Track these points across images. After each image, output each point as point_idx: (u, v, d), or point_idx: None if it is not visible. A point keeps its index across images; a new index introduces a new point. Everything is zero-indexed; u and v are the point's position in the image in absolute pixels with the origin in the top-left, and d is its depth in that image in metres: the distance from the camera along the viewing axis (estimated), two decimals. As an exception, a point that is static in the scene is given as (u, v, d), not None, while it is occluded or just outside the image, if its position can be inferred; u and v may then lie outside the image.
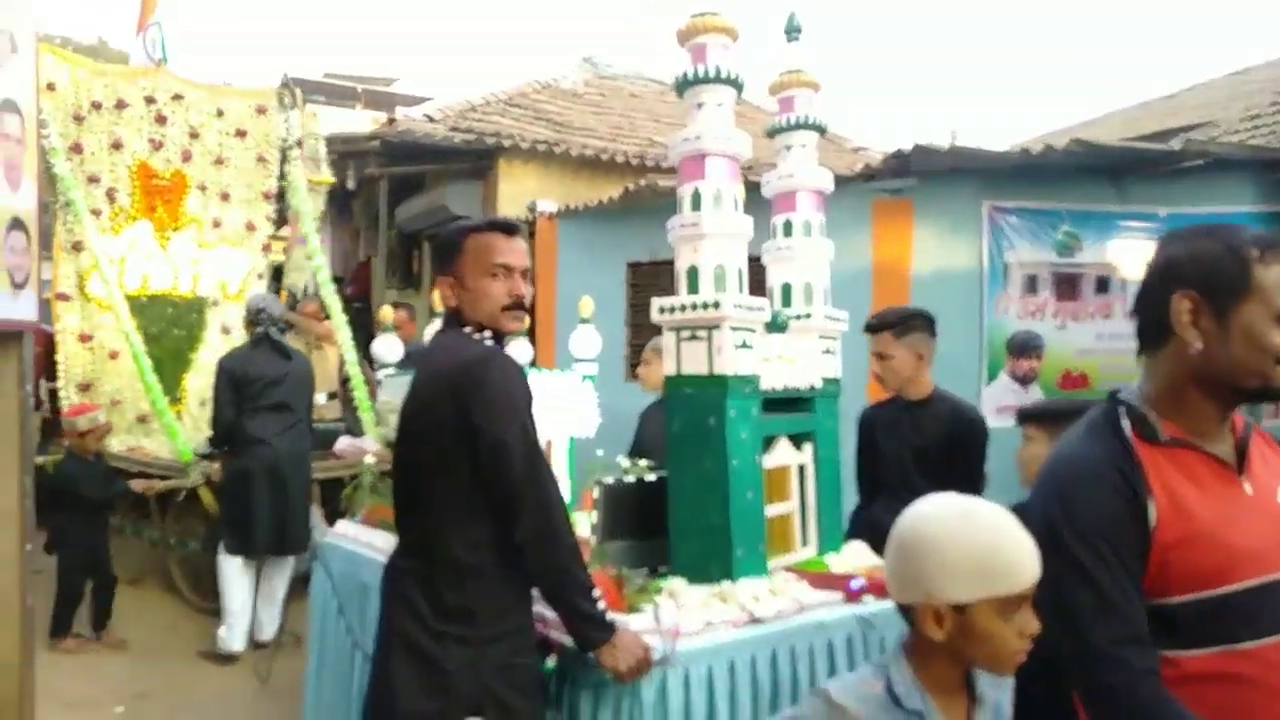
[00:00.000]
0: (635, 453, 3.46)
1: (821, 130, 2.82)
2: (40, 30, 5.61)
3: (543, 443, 3.41)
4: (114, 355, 5.83)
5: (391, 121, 8.13)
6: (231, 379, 4.52)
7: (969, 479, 2.99)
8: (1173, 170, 5.48)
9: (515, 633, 1.98)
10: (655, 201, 6.17)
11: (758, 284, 2.90)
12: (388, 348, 3.38)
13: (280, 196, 6.60)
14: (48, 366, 6.11)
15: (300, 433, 4.69)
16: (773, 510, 2.57)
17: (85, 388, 5.74)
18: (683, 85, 2.43)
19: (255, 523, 4.44)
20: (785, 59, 2.82)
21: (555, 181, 8.09)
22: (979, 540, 1.30)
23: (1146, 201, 5.62)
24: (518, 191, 7.99)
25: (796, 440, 2.70)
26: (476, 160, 8.07)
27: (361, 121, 10.93)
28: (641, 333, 6.05)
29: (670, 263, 2.51)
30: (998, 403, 5.51)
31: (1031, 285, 5.64)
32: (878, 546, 2.86)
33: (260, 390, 4.49)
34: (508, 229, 2.08)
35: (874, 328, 3.11)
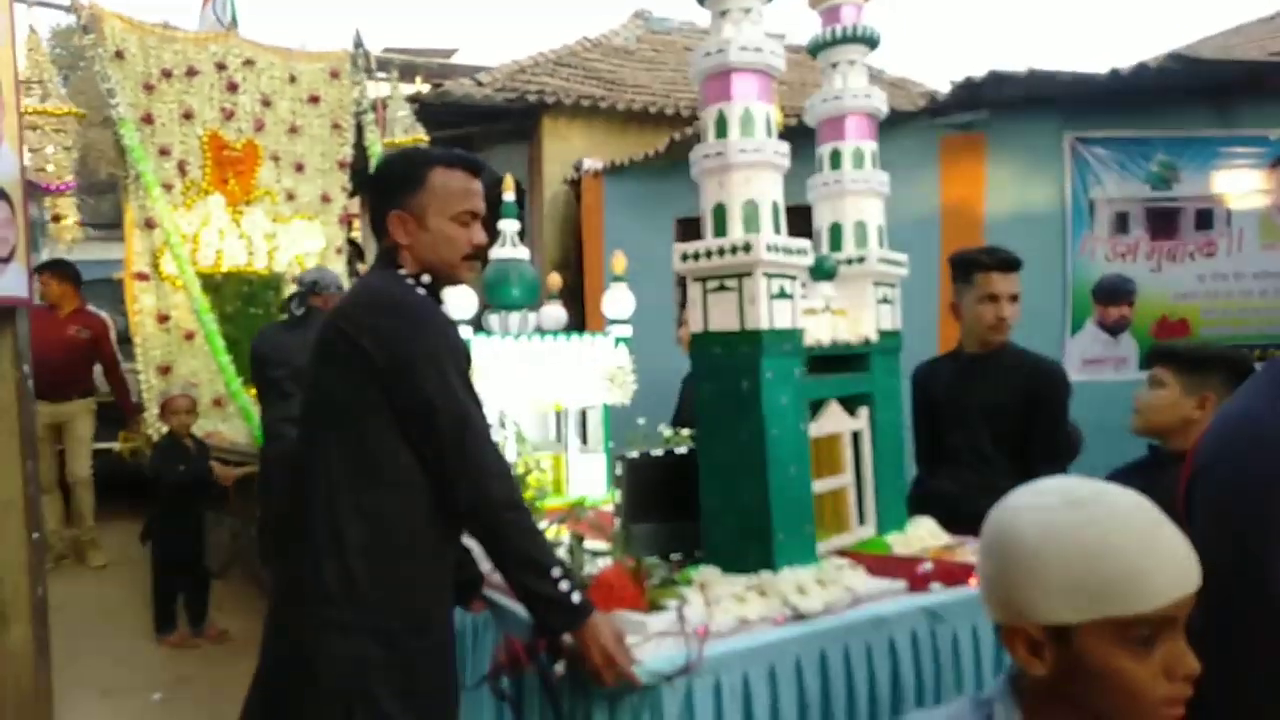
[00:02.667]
0: (678, 422, 3.15)
1: (874, 43, 2.42)
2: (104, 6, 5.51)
3: (574, 410, 3.25)
4: (189, 336, 5.68)
5: (437, 87, 7.87)
6: (256, 361, 4.15)
7: (1049, 443, 2.61)
8: (1285, 87, 4.85)
9: (416, 629, 1.71)
10: (704, 152, 5.77)
11: (806, 232, 2.56)
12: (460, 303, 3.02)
13: (356, 166, 6.37)
14: (124, 349, 5.98)
15: None
16: (822, 485, 2.23)
17: (165, 370, 5.61)
18: (702, -10, 2.07)
19: (267, 526, 4.05)
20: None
21: (602, 139, 7.73)
22: (1087, 537, 0.94)
23: (1254, 124, 5.00)
24: (563, 150, 7.66)
25: (850, 404, 2.35)
26: (521, 121, 7.76)
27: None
28: (694, 292, 5.65)
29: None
30: (1085, 354, 5.03)
31: (1121, 224, 5.10)
32: (944, 522, 2.51)
33: (280, 375, 4.03)
34: (475, 168, 1.83)
35: (1014, 263, 2.66)
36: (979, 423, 2.67)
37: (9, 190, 2.69)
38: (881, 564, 2.16)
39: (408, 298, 1.74)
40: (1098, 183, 5.11)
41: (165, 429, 4.66)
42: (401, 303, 1.72)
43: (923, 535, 2.39)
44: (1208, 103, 4.99)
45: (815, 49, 2.43)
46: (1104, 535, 0.93)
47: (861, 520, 2.37)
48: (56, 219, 5.05)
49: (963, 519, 2.61)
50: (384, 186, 1.82)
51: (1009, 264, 2.63)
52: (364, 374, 1.66)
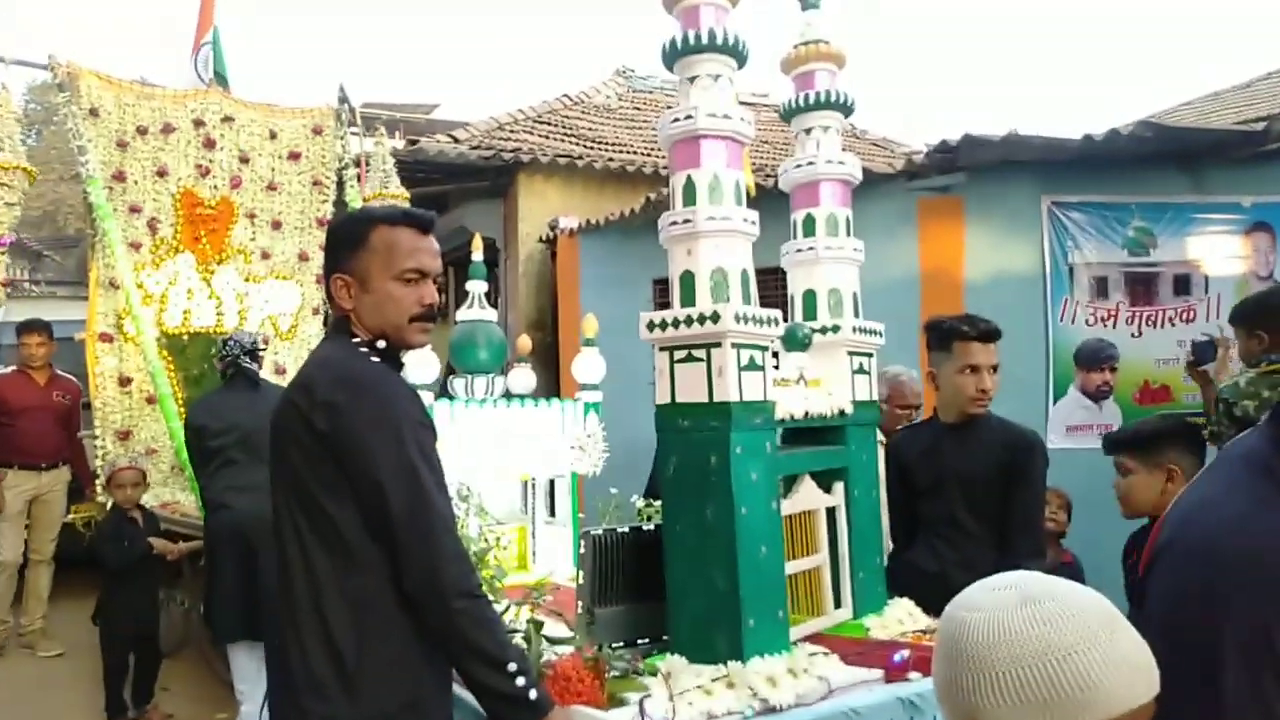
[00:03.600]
0: (651, 492, 3.04)
1: (847, 109, 2.38)
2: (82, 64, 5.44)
3: (542, 480, 3.13)
4: (151, 400, 5.40)
5: (413, 143, 7.86)
6: (192, 433, 3.88)
7: (1026, 516, 2.51)
8: (1256, 154, 4.89)
9: (414, 709, 1.60)
10: (682, 212, 5.75)
11: (782, 293, 2.49)
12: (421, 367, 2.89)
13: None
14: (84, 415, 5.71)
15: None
16: (796, 566, 2.13)
17: (124, 436, 5.34)
18: (671, 55, 2.02)
19: (216, 603, 3.74)
20: (802, 30, 2.40)
21: (579, 197, 7.72)
22: (1041, 639, 0.86)
23: (1228, 191, 5.03)
24: (540, 208, 7.63)
25: (824, 479, 2.26)
26: (497, 178, 7.75)
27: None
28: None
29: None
30: (1068, 421, 4.96)
31: (1101, 288, 5.08)
32: (921, 600, 2.40)
33: (223, 443, 3.78)
34: (424, 224, 1.73)
35: (994, 334, 2.58)
36: (955, 494, 2.57)
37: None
38: (857, 651, 2.05)
39: (359, 369, 1.65)
40: (1076, 247, 5.10)
41: (110, 502, 4.38)
42: (353, 375, 1.63)
43: (901, 618, 2.29)
44: (1181, 169, 5.02)
45: (789, 114, 2.39)
46: (1058, 637, 0.86)
47: (837, 603, 2.26)
48: None
49: (942, 598, 2.51)
50: (329, 249, 1.74)
51: (989, 334, 2.57)
52: (321, 454, 1.57)
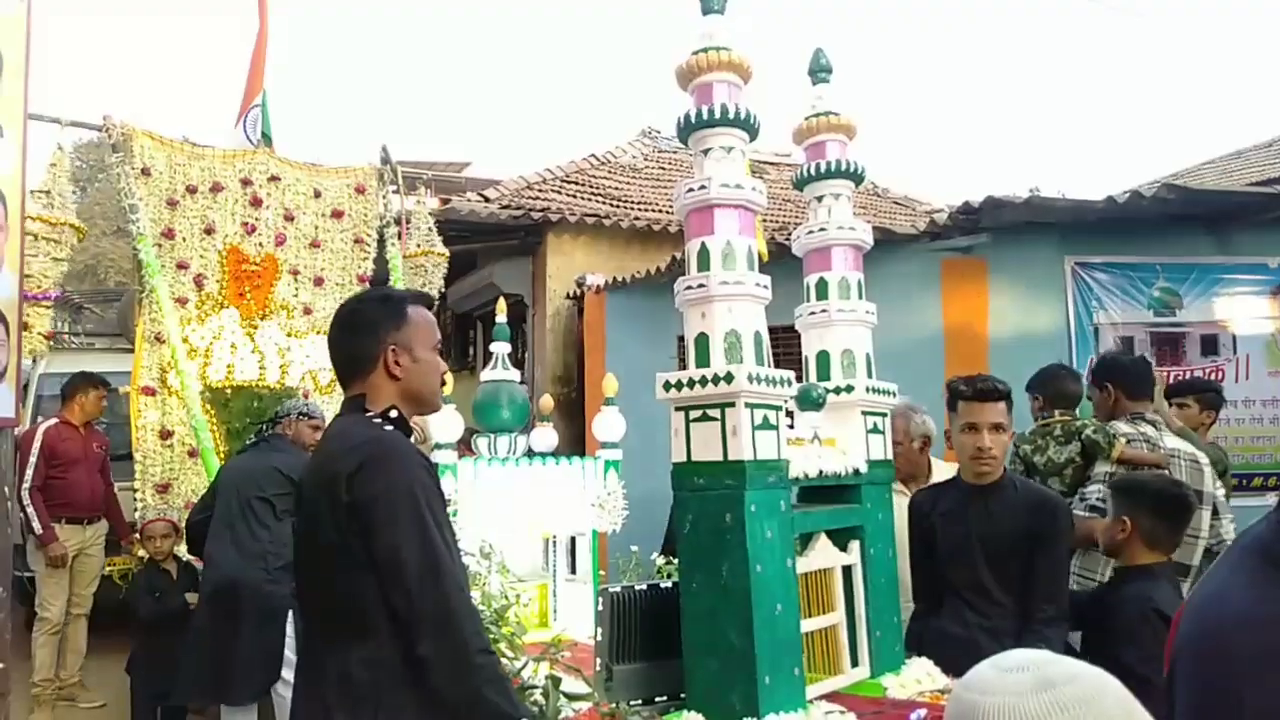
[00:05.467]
0: (667, 548, 3.06)
1: (857, 178, 2.45)
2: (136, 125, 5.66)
3: (563, 537, 3.17)
4: (192, 453, 5.46)
5: (445, 203, 8.08)
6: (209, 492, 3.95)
7: (1051, 582, 2.50)
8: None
9: None
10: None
11: (798, 352, 2.54)
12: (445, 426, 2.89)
13: (375, 280, 6.41)
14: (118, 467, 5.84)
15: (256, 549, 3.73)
16: (812, 624, 2.14)
17: (164, 489, 5.35)
18: (686, 130, 2.12)
19: (185, 664, 3.72)
20: (813, 102, 2.49)
21: (605, 255, 7.87)
22: None
23: (1253, 252, 5.04)
24: (567, 265, 7.79)
25: (840, 537, 2.28)
26: (526, 236, 7.92)
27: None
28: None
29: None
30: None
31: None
32: (943, 663, 2.39)
33: (224, 502, 3.81)
34: (432, 304, 1.98)
35: (992, 394, 2.58)
36: (979, 558, 2.56)
37: (5, 311, 2.71)
38: (874, 710, 2.05)
39: (377, 438, 1.73)
40: (1100, 307, 5.11)
41: (143, 555, 4.46)
42: (372, 445, 1.71)
43: (919, 677, 2.28)
44: (1205, 229, 5.04)
45: (801, 183, 2.47)
46: None
47: (854, 661, 2.27)
48: (26, 327, 5.01)
49: (964, 661, 2.49)
50: (364, 325, 1.84)
51: (986, 393, 2.57)
52: (347, 524, 1.64)
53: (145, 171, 5.64)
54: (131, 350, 5.92)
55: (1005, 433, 2.59)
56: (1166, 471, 2.98)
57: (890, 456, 2.48)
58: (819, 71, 2.50)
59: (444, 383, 1.93)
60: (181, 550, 4.62)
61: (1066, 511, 2.62)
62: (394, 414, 1.79)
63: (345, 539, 1.64)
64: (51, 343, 5.54)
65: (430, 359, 1.85)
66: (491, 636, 2.25)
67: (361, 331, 1.84)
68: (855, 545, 2.31)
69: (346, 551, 1.64)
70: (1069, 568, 2.64)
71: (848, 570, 2.29)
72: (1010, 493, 2.58)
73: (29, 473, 5.22)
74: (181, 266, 5.75)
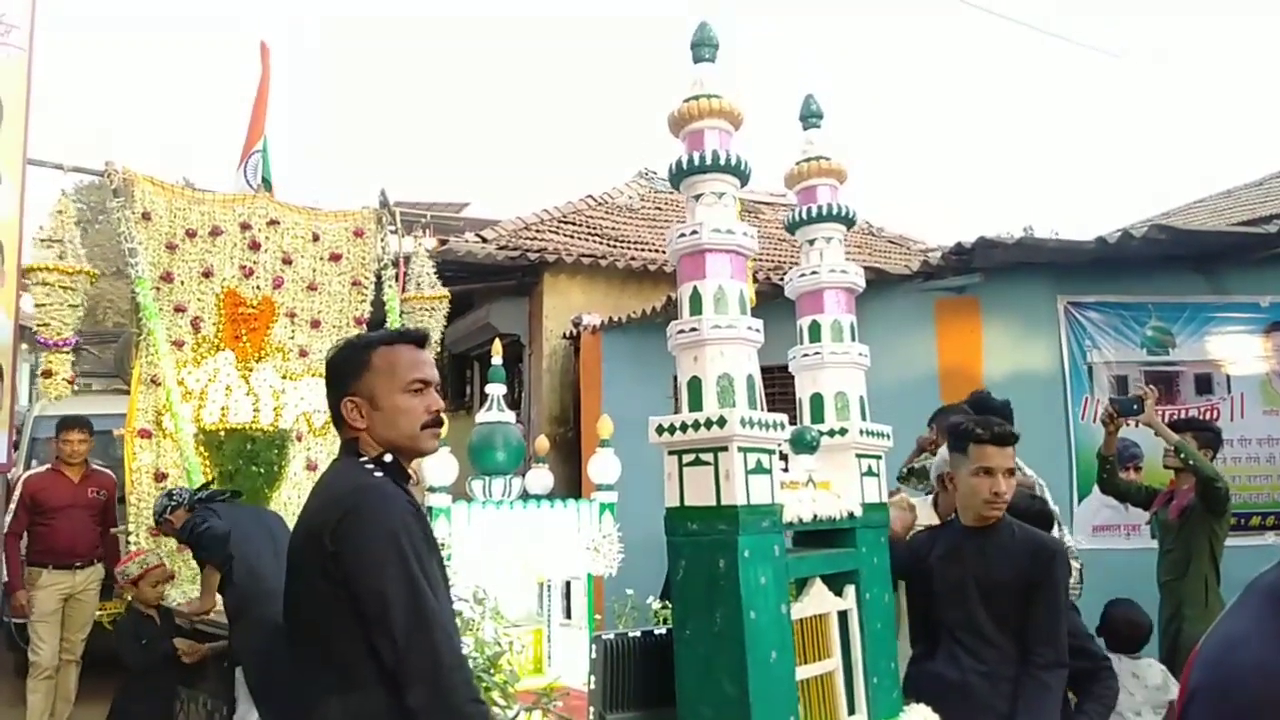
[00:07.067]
0: (667, 594, 3.04)
1: (848, 222, 2.47)
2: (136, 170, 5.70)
3: (558, 581, 3.14)
4: None
5: (444, 244, 8.13)
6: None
7: (1048, 625, 2.48)
8: (1271, 256, 4.94)
9: None
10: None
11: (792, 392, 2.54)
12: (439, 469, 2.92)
13: (373, 322, 6.43)
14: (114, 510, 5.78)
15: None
16: (807, 672, 2.11)
17: (157, 532, 5.23)
18: (678, 176, 2.14)
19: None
20: (804, 147, 2.52)
21: (602, 295, 7.92)
22: None
23: (1245, 291, 5.07)
24: (564, 305, 7.82)
25: (835, 582, 2.26)
26: (523, 276, 7.97)
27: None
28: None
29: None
30: (1093, 521, 4.91)
31: (1121, 387, 5.08)
32: (942, 709, 2.36)
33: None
34: (420, 341, 1.87)
35: (1009, 438, 2.58)
36: (976, 601, 2.55)
37: (0, 356, 2.72)
38: (871, 761, 2.02)
39: (362, 485, 1.73)
40: (1094, 346, 5.13)
41: (128, 597, 4.37)
42: (356, 493, 1.71)
43: (918, 726, 2.25)
44: (1197, 269, 5.07)
45: (793, 227, 2.49)
46: None
47: (851, 709, 2.23)
48: (47, 374, 5.02)
49: (963, 707, 2.47)
50: (333, 378, 1.86)
51: (1004, 438, 2.58)
52: (332, 572, 1.63)
53: (146, 216, 5.68)
54: (128, 392, 5.91)
55: (1014, 475, 2.59)
56: (1036, 490, 3.39)
57: (885, 500, 2.47)
58: (810, 117, 2.53)
59: (433, 422, 1.82)
60: (176, 595, 4.57)
61: (1064, 557, 2.61)
62: (387, 459, 1.77)
63: (332, 589, 1.62)
64: (75, 386, 5.52)
65: (395, 404, 1.78)
66: (484, 684, 2.23)
67: (331, 384, 1.85)
68: (850, 590, 2.29)
69: (333, 602, 1.63)
70: (1065, 614, 2.62)
71: (843, 615, 2.27)
72: (1007, 535, 2.57)
73: (7, 519, 5.16)
74: (179, 309, 5.77)
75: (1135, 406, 3.95)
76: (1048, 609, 2.48)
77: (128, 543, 5.38)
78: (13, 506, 5.23)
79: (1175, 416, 4.98)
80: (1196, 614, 3.77)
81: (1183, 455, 3.87)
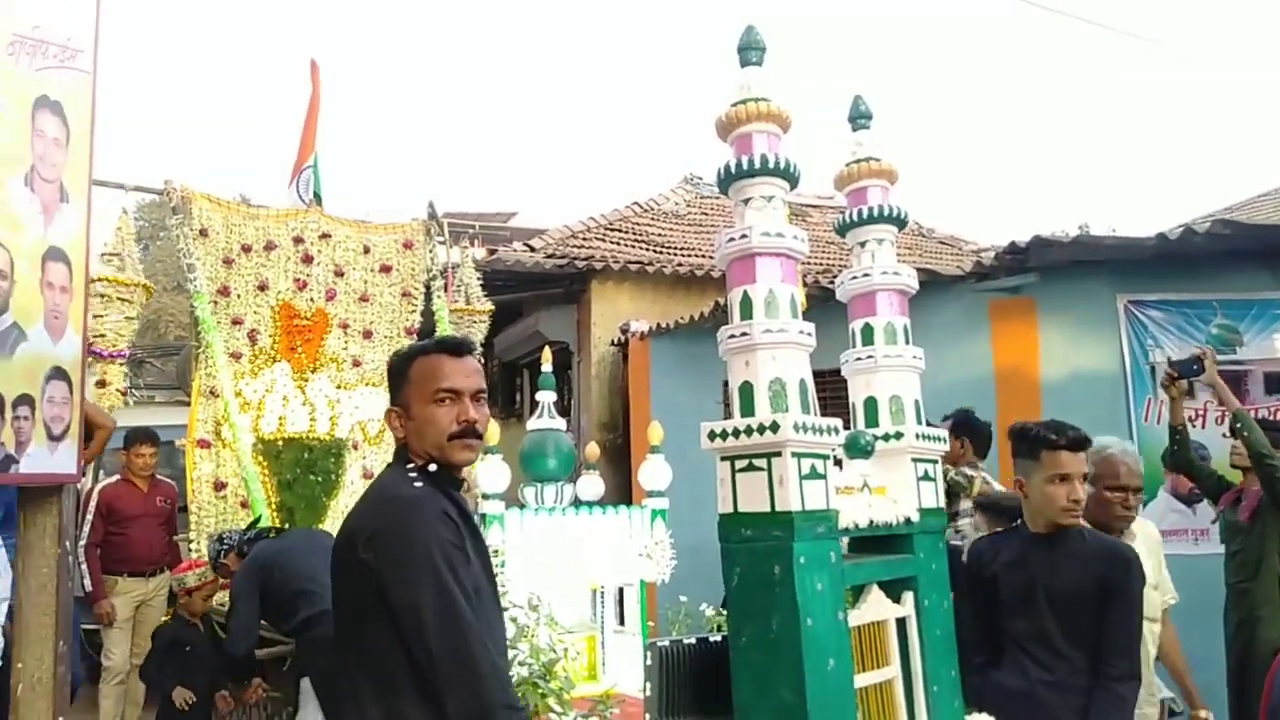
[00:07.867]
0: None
1: (900, 223, 2.44)
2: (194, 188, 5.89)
3: (611, 588, 3.14)
4: (244, 504, 5.57)
5: (492, 253, 8.22)
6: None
7: (1122, 635, 2.41)
8: (1343, 249, 4.76)
9: None
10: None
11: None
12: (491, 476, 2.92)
13: (423, 332, 6.53)
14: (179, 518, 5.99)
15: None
16: (866, 679, 2.08)
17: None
18: (726, 180, 2.13)
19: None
20: (854, 148, 2.49)
21: (649, 301, 7.93)
22: None
23: (1315, 286, 4.89)
24: (611, 312, 7.85)
25: (893, 588, 2.22)
26: (570, 284, 8.02)
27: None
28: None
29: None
30: (1159, 525, 4.74)
31: (1188, 387, 4.92)
32: (1005, 718, 2.31)
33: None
34: (455, 349, 1.86)
35: (1085, 443, 2.56)
36: (1046, 610, 2.49)
37: (69, 370, 2.79)
38: (933, 771, 1.98)
39: (397, 494, 1.75)
40: (1156, 345, 4.99)
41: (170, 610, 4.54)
42: (390, 502, 1.73)
43: (981, 735, 2.20)
44: (1264, 264, 4.91)
45: (843, 229, 2.47)
46: None
47: (911, 717, 2.19)
48: (102, 384, 5.18)
49: (1025, 716, 2.41)
50: (388, 387, 1.90)
51: (1079, 443, 2.53)
52: (367, 580, 1.66)
53: (203, 232, 5.84)
54: (189, 404, 6.08)
55: (1087, 480, 2.55)
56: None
57: (942, 504, 2.42)
58: (859, 118, 2.50)
59: (463, 433, 1.78)
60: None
61: (1139, 566, 2.53)
62: (432, 468, 1.79)
63: (368, 596, 1.65)
64: (126, 398, 5.71)
65: (423, 414, 1.79)
66: (540, 691, 2.24)
67: (389, 393, 1.90)
68: (909, 596, 2.25)
69: (370, 608, 1.65)
70: (1140, 625, 2.54)
71: (902, 623, 2.23)
72: (1079, 542, 2.51)
73: (85, 529, 5.36)
74: (236, 322, 5.91)
75: (1195, 367, 3.80)
76: (1123, 618, 2.42)
77: (189, 550, 5.54)
78: (89, 517, 5.43)
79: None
80: (1271, 613, 3.64)
81: (1239, 426, 3.72)
